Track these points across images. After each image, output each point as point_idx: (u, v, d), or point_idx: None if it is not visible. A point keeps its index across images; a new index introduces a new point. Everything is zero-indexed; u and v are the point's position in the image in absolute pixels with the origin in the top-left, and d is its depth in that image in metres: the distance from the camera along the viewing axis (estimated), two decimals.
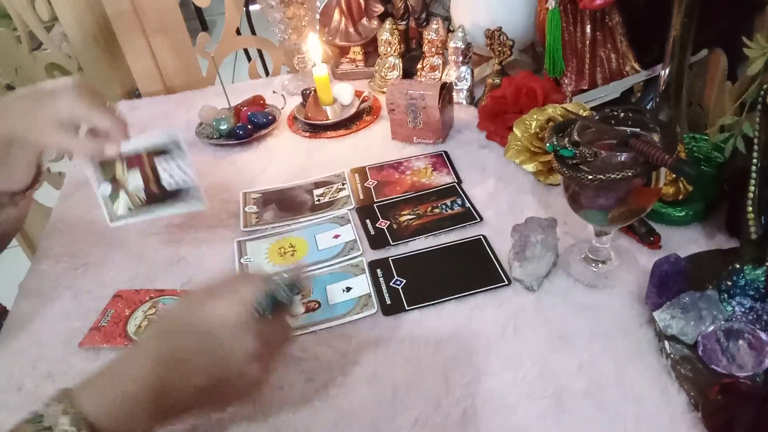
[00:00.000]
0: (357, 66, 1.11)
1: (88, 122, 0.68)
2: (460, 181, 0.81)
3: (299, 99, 1.00)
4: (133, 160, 0.72)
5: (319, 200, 0.81)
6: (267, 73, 1.26)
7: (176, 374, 0.48)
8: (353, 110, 0.97)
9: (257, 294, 0.50)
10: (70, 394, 0.46)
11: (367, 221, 0.76)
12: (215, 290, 0.52)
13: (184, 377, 0.48)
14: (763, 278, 0.54)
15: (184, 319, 0.51)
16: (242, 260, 0.72)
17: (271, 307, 0.50)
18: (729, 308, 0.55)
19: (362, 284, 0.67)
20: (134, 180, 0.72)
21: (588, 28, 0.83)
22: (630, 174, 0.53)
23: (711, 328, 0.54)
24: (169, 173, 0.72)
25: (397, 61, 1.03)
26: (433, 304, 0.64)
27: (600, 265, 0.65)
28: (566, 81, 0.87)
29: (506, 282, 0.65)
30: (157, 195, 0.73)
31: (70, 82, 0.68)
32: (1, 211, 0.72)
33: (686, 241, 0.66)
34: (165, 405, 0.48)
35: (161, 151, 0.72)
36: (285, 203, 0.81)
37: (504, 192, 0.78)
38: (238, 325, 0.49)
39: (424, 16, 1.06)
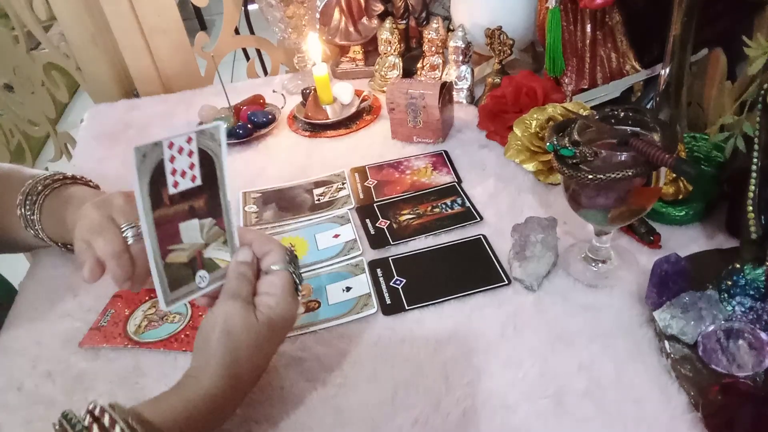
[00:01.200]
0: (357, 65, 1.11)
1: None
2: (460, 181, 0.81)
3: (299, 98, 1.00)
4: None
5: (319, 200, 0.81)
6: (265, 73, 1.26)
7: (237, 385, 0.51)
8: (353, 109, 0.96)
9: (289, 271, 0.55)
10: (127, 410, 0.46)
11: (367, 221, 0.76)
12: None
13: (242, 386, 0.52)
14: (763, 278, 0.54)
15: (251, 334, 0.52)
16: None
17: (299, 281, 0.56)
18: (729, 308, 0.55)
19: (362, 284, 0.67)
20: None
21: (588, 28, 0.83)
22: (630, 173, 0.53)
23: (711, 328, 0.54)
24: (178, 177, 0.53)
25: (397, 60, 1.03)
26: (433, 303, 0.64)
27: (600, 265, 0.65)
28: (566, 80, 0.87)
29: (506, 282, 0.65)
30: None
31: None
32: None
33: (686, 241, 0.66)
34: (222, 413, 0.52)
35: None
36: (285, 203, 0.81)
37: (504, 191, 0.78)
38: (290, 314, 0.54)
39: (424, 15, 1.06)
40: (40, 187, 0.67)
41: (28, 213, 0.67)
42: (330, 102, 0.95)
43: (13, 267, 0.80)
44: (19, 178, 0.70)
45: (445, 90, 0.87)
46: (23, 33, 1.21)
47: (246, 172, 0.89)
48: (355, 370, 0.58)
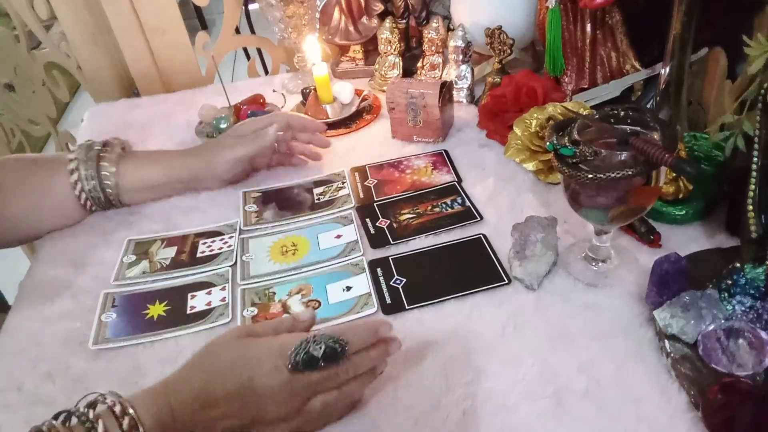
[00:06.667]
0: (357, 65, 1.11)
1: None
2: (460, 180, 0.81)
3: (299, 98, 1.00)
4: (175, 240, 0.76)
5: (318, 199, 0.81)
6: (266, 72, 1.26)
7: (203, 415, 0.49)
8: (353, 109, 0.96)
9: (295, 345, 0.50)
10: (124, 398, 0.48)
11: (368, 220, 0.76)
12: (258, 330, 0.53)
13: (210, 421, 0.49)
14: (763, 277, 0.54)
15: (225, 359, 0.51)
16: (243, 258, 0.72)
17: (306, 362, 0.49)
18: (729, 307, 0.55)
19: (362, 283, 0.67)
20: (166, 253, 0.74)
21: (588, 27, 0.83)
22: (630, 173, 0.53)
23: (711, 327, 0.54)
24: (209, 246, 0.74)
25: (397, 59, 1.03)
26: (433, 303, 0.64)
27: (600, 264, 0.65)
28: (566, 80, 0.87)
29: (506, 281, 0.65)
30: (184, 262, 0.73)
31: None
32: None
33: (686, 240, 0.66)
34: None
35: (214, 233, 0.76)
36: (285, 202, 0.81)
37: (504, 191, 0.78)
38: (272, 376, 0.49)
39: (424, 14, 1.06)
40: (98, 147, 0.78)
41: (105, 164, 0.76)
42: (330, 101, 0.95)
43: (14, 267, 0.80)
44: (49, 158, 0.78)
45: (445, 89, 0.87)
46: (24, 32, 1.21)
47: None
48: None
